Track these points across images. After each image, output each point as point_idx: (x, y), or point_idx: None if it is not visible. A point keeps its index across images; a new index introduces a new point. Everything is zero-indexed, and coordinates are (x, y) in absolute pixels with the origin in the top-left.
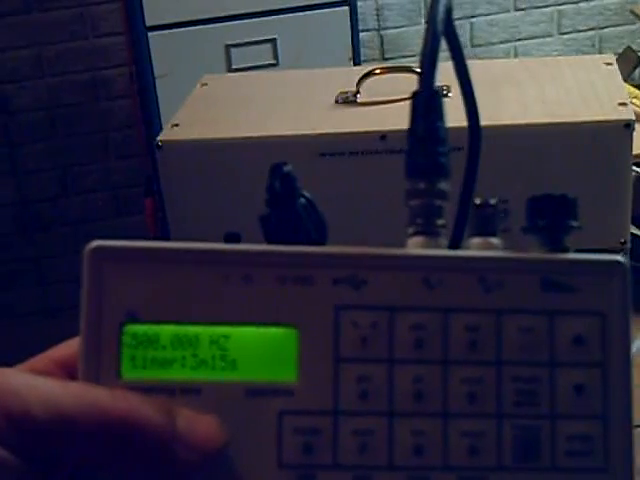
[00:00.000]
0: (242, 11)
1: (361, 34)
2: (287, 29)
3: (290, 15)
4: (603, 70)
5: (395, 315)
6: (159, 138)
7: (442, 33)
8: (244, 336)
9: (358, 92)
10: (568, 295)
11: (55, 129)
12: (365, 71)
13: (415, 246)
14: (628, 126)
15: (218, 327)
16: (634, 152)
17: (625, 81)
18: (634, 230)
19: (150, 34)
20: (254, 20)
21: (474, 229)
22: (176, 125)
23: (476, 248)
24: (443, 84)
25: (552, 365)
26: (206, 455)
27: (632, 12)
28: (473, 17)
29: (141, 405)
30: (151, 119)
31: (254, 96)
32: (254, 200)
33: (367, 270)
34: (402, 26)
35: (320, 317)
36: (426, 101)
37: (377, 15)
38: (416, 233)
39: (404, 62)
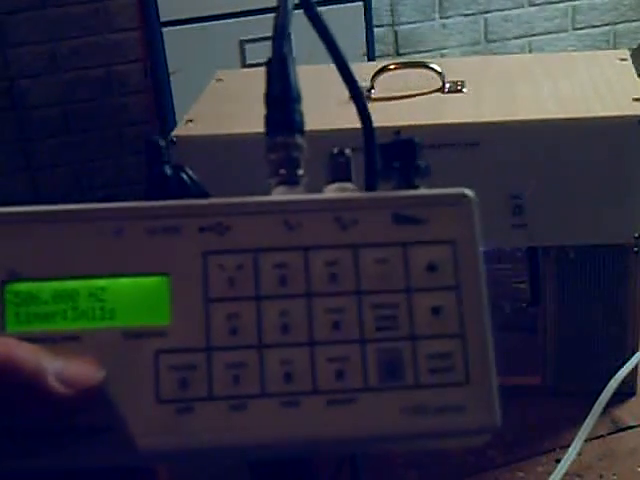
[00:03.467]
0: (256, 6)
1: (375, 30)
2: (301, 24)
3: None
4: (617, 65)
5: (259, 256)
6: (173, 134)
7: (292, 3)
8: (120, 287)
9: (372, 88)
10: (419, 227)
11: (69, 124)
12: (379, 67)
13: (278, 195)
14: None
15: (95, 280)
16: None
17: (639, 76)
18: None
19: (164, 30)
20: (268, 15)
21: (330, 176)
22: (190, 121)
23: (333, 192)
24: (457, 80)
25: (409, 291)
26: (83, 392)
27: None
28: (487, 12)
29: (17, 346)
30: (165, 115)
31: None
32: (269, 194)
33: (231, 217)
34: (416, 21)
35: (189, 263)
36: (278, 65)
37: (391, 11)
38: (278, 184)
39: (418, 57)
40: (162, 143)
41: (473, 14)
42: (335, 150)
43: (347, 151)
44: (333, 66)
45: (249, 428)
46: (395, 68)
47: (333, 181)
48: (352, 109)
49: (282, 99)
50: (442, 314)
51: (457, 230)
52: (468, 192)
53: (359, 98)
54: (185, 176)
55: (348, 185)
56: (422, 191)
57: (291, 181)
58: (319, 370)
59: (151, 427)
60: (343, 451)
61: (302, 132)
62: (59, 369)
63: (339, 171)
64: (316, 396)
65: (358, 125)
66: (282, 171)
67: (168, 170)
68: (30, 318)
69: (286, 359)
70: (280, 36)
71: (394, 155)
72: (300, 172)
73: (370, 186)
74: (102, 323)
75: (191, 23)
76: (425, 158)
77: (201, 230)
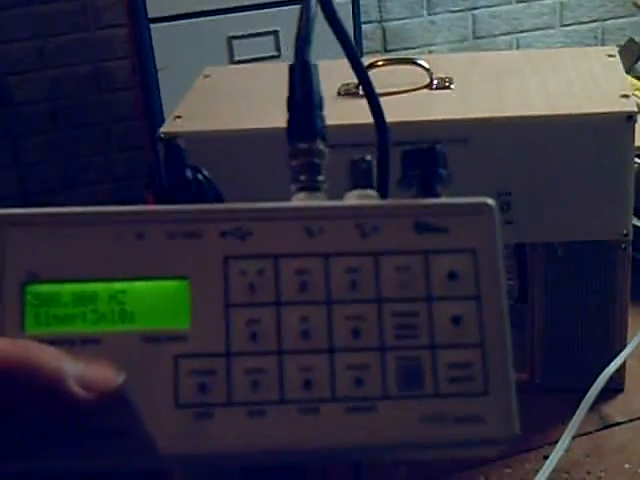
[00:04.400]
0: (244, 3)
1: (363, 26)
2: (289, 21)
3: (292, 7)
4: (605, 62)
5: (280, 262)
6: (161, 130)
7: (316, 8)
8: (140, 290)
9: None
10: (440, 235)
11: (57, 121)
12: (367, 63)
13: (298, 201)
14: (630, 118)
15: (116, 283)
16: (636, 144)
17: (627, 73)
18: (636, 222)
19: (152, 26)
20: (256, 12)
21: (352, 183)
22: (178, 117)
23: (354, 199)
24: (445, 76)
25: (429, 300)
26: (103, 395)
27: (634, 4)
28: (475, 9)
29: (38, 349)
30: (153, 111)
31: (257, 88)
32: (257, 191)
33: (252, 222)
34: (404, 18)
35: (210, 268)
36: (301, 71)
37: (379, 7)
38: (299, 190)
39: (406, 54)
40: (183, 146)
41: (461, 10)
42: (356, 156)
43: (368, 157)
44: (322, 62)
45: (267, 434)
46: (383, 64)
47: (354, 188)
48: (339, 106)
49: (305, 105)
50: (462, 323)
51: (478, 239)
52: (490, 201)
53: (373, 96)
54: (201, 177)
55: (369, 192)
56: (444, 199)
57: (312, 187)
58: (338, 377)
59: (169, 431)
60: (361, 459)
61: (324, 138)
62: (79, 372)
63: (360, 178)
64: (335, 404)
65: (346, 121)
66: (303, 177)
67: (189, 173)
68: (50, 320)
69: (306, 366)
70: (303, 41)
71: (416, 163)
72: (321, 178)
73: (383, 183)
74: (122, 326)
75: (179, 19)
76: (447, 166)
77: (222, 235)
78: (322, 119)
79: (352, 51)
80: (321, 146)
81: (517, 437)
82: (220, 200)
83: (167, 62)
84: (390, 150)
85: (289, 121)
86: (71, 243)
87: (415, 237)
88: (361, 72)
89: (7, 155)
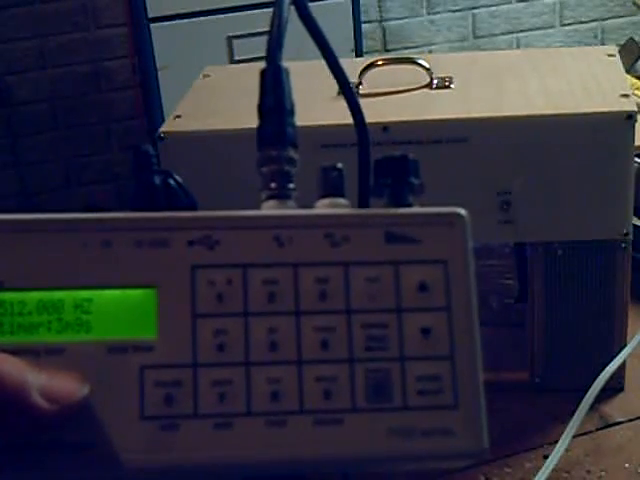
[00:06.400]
0: (244, 2)
1: (363, 25)
2: (289, 20)
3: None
4: (605, 61)
5: (248, 271)
6: (161, 129)
7: (288, 13)
8: (106, 298)
9: (360, 83)
10: (411, 246)
11: (57, 121)
12: (367, 62)
13: (268, 209)
14: (630, 117)
15: (81, 291)
16: (636, 143)
17: (627, 72)
18: (636, 221)
19: (152, 25)
20: (256, 11)
21: (322, 191)
22: (178, 116)
23: (324, 208)
24: (445, 76)
25: (399, 311)
26: (66, 407)
27: (634, 3)
28: (475, 8)
29: (1, 359)
30: (153, 110)
31: (257, 88)
32: (256, 191)
33: (220, 231)
34: (404, 17)
35: (177, 277)
36: (272, 76)
37: (379, 6)
38: (268, 197)
39: (406, 53)
40: (151, 152)
41: (461, 10)
42: (327, 164)
43: (339, 165)
44: (322, 62)
45: (234, 447)
46: (383, 64)
47: (325, 196)
48: (340, 105)
49: (275, 111)
50: (432, 335)
51: (449, 250)
52: (461, 211)
53: (352, 99)
54: (173, 182)
55: (340, 201)
56: (415, 210)
57: (282, 195)
58: (306, 389)
59: (135, 443)
60: (328, 471)
61: (295, 145)
62: (42, 384)
63: (331, 186)
64: (303, 416)
65: (346, 121)
66: (273, 185)
67: (157, 179)
68: (14, 329)
69: (273, 378)
70: (275, 46)
71: (387, 171)
72: (291, 186)
73: (363, 185)
74: (87, 336)
75: (179, 19)
76: (419, 175)
77: (190, 244)
78: (293, 125)
79: (329, 52)
80: (292, 153)
81: (485, 452)
82: (193, 205)
83: (167, 62)
84: (373, 151)
85: (259, 127)
86: (36, 250)
87: (385, 247)
88: (339, 74)
89: (7, 154)
